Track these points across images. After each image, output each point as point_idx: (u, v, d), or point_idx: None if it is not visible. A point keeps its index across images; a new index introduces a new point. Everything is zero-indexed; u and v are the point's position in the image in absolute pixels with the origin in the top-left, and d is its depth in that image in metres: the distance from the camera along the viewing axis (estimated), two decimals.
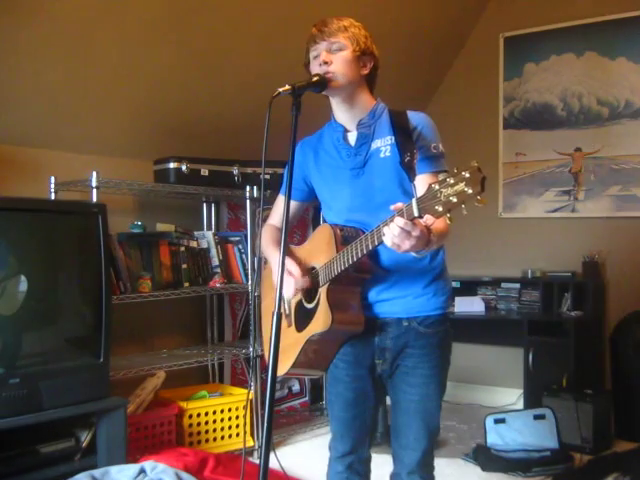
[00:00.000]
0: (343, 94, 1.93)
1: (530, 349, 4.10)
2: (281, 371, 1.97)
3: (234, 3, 3.47)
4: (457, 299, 4.51)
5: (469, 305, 4.51)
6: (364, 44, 1.92)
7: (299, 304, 2.01)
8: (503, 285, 4.63)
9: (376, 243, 1.70)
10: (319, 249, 1.94)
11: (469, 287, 4.70)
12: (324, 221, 2.08)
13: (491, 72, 4.80)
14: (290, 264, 1.94)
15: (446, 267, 2.00)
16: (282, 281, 1.70)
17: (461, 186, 1.45)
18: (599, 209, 4.43)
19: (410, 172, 1.78)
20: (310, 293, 1.95)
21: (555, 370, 3.99)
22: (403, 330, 1.93)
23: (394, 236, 1.60)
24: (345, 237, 1.88)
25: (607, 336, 4.24)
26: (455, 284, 4.70)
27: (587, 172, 4.47)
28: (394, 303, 1.93)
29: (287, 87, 1.75)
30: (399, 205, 1.61)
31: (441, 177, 1.50)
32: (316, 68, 1.90)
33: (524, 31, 4.67)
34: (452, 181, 1.47)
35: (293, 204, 2.06)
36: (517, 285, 4.57)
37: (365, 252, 1.74)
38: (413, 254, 1.69)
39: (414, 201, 1.55)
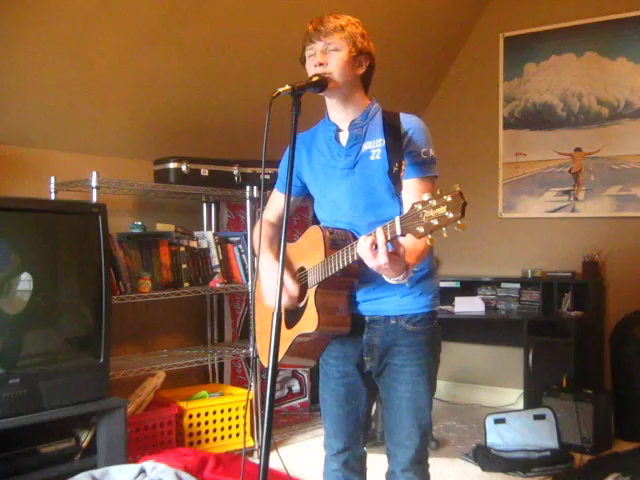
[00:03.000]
0: (339, 95, 1.92)
1: (530, 349, 4.10)
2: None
3: (233, 3, 3.47)
4: (457, 299, 4.52)
5: (469, 305, 4.51)
6: (360, 44, 1.90)
7: None
8: (503, 285, 4.62)
9: None
10: (309, 250, 1.96)
11: (469, 287, 4.70)
12: (314, 217, 2.11)
13: (491, 72, 4.80)
14: (287, 279, 1.92)
15: (434, 268, 2.01)
16: (282, 279, 1.71)
17: (442, 209, 1.45)
18: (599, 209, 4.43)
19: (397, 184, 1.79)
20: (300, 292, 1.98)
21: (555, 370, 3.99)
22: (391, 328, 1.94)
23: (365, 250, 1.62)
24: (334, 240, 1.90)
25: (607, 336, 4.24)
26: (455, 284, 4.71)
27: (587, 172, 4.47)
28: (382, 302, 1.94)
29: (287, 87, 1.75)
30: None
31: (425, 197, 1.50)
32: (311, 68, 1.89)
33: (524, 31, 4.67)
34: (434, 203, 1.47)
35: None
36: (517, 285, 4.57)
37: (351, 261, 1.75)
38: (392, 281, 1.70)
39: (397, 219, 1.56)
